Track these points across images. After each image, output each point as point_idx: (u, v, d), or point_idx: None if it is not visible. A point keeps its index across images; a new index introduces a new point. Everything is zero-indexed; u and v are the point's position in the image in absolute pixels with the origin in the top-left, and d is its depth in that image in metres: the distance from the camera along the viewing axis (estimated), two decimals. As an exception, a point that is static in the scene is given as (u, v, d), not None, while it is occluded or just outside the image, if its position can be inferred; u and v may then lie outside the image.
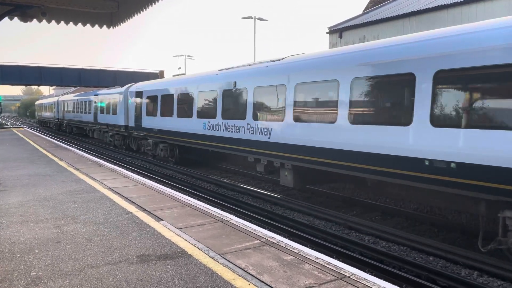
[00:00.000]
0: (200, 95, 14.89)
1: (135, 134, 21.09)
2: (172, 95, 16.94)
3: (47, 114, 51.51)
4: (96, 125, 28.50)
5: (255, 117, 11.76)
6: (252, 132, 11.82)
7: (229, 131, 12.97)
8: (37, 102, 67.75)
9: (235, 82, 12.76)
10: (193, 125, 15.15)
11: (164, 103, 17.65)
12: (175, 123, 16.64)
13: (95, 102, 28.17)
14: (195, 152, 16.97)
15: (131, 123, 21.36)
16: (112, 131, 25.19)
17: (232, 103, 13.13)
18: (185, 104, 15.92)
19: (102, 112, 26.49)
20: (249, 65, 12.98)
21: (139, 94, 20.44)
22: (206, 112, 14.44)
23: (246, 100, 12.11)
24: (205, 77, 15.13)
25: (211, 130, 13.99)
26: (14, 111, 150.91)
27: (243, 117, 12.24)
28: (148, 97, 19.45)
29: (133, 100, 21.19)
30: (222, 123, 13.32)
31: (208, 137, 14.23)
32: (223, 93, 13.41)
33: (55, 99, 46.16)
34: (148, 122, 19.28)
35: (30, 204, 7.99)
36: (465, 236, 8.19)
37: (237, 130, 12.52)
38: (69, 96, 39.07)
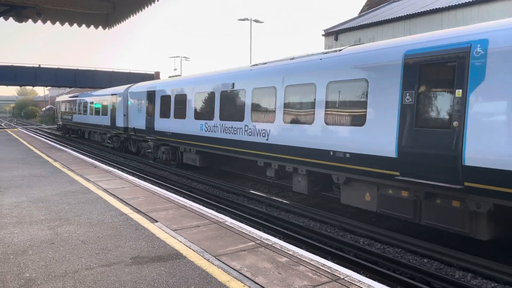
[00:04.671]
0: None
1: None
2: None
3: (86, 118, 30.08)
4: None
5: None
6: None
7: None
8: (59, 98, 43.25)
9: None
10: None
11: None
12: None
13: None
14: None
15: None
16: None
17: None
18: None
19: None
20: None
21: None
22: None
23: None
24: None
25: None
26: (8, 112, 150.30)
27: None
28: None
29: None
30: None
31: None
32: None
33: (115, 90, 24.00)
34: None
35: (24, 205, 7.94)
36: (459, 238, 8.22)
37: None
38: (183, 78, 17.89)
